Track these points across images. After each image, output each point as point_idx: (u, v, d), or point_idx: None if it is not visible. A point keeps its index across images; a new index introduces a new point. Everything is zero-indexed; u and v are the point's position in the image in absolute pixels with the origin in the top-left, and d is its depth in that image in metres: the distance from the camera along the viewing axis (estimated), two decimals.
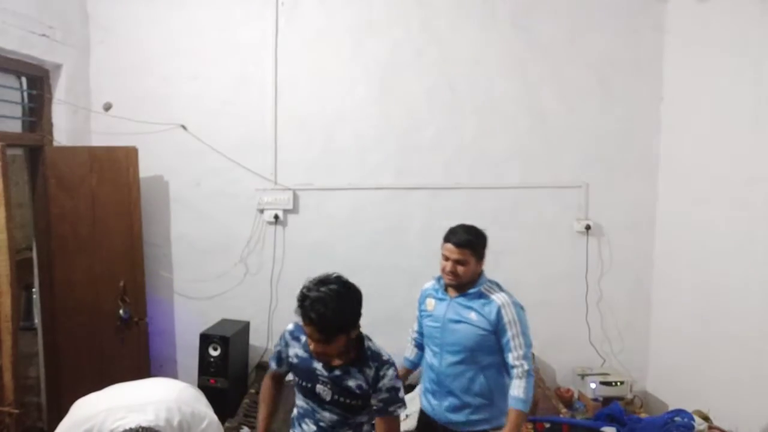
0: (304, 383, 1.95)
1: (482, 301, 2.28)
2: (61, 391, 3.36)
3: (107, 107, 3.69)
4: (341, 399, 1.90)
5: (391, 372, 1.90)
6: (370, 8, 3.67)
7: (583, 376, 3.59)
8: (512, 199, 3.70)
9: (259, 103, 3.68)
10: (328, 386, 1.91)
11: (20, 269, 2.85)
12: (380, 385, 1.88)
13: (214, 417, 1.82)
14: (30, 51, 3.11)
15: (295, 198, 3.74)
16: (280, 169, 3.72)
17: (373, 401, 1.89)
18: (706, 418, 3.03)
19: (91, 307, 3.36)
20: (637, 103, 3.68)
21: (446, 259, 2.30)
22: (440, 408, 2.36)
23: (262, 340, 3.78)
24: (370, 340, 1.97)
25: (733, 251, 3.02)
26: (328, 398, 1.92)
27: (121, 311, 3.38)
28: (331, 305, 1.75)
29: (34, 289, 3.53)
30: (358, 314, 1.86)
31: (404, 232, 3.76)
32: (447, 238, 2.32)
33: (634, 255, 3.74)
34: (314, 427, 1.97)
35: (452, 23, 3.67)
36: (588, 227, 3.70)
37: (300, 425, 2.03)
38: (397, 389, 1.92)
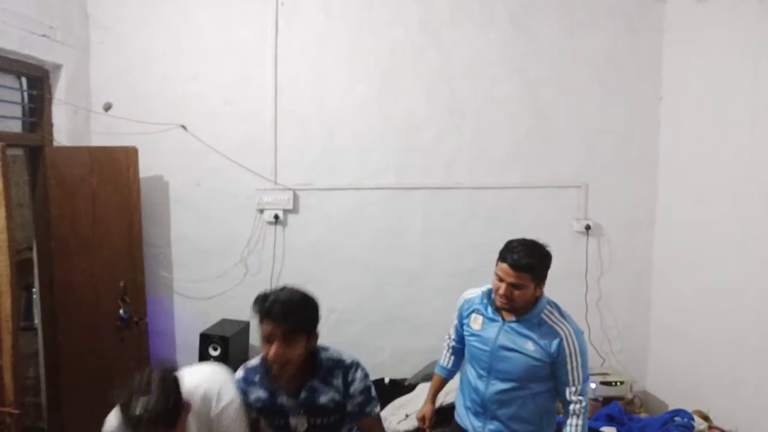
0: (276, 422, 1.85)
1: (542, 330, 2.07)
2: (61, 391, 3.36)
3: (107, 107, 3.69)
4: (318, 421, 1.82)
5: (359, 374, 1.85)
6: (370, 8, 3.67)
7: None
8: (512, 199, 3.70)
9: (259, 103, 3.68)
10: (301, 414, 1.81)
11: (20, 269, 2.85)
12: (352, 390, 1.82)
13: (239, 399, 1.82)
14: (30, 51, 3.11)
15: (295, 198, 3.74)
16: (280, 169, 3.72)
17: (349, 407, 1.84)
18: (706, 418, 3.03)
19: (91, 307, 3.36)
20: (636, 103, 3.69)
21: (500, 280, 2.04)
22: (482, 430, 2.20)
23: None
24: (325, 350, 1.88)
25: (733, 251, 3.02)
26: (304, 427, 1.82)
27: (121, 311, 3.38)
28: (295, 299, 1.77)
29: (34, 289, 3.53)
30: (317, 319, 1.81)
31: (404, 232, 3.76)
32: (503, 257, 2.04)
33: (633, 255, 3.74)
34: None
35: (452, 23, 3.67)
36: (588, 227, 3.70)
37: None
38: (369, 388, 1.87)
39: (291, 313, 1.72)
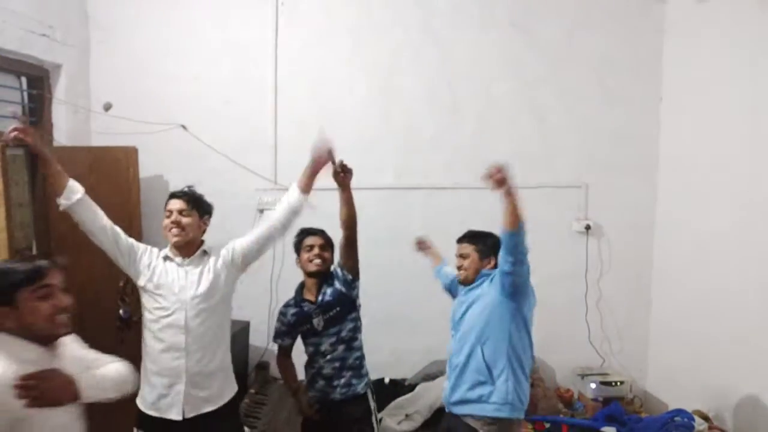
0: (305, 327, 2.51)
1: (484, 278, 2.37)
2: None
3: (107, 107, 3.68)
4: (328, 315, 2.48)
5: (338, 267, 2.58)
6: (370, 8, 3.67)
7: (583, 376, 3.59)
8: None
9: (259, 103, 3.68)
10: (318, 313, 2.48)
11: None
12: (338, 272, 2.57)
13: None
14: (30, 51, 3.11)
15: None
16: (280, 169, 3.72)
17: (341, 278, 2.55)
18: (706, 418, 3.03)
19: (92, 307, 3.35)
20: (636, 103, 3.69)
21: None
22: (447, 390, 2.38)
23: (262, 340, 3.78)
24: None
25: (733, 251, 3.02)
26: (322, 326, 2.48)
27: (120, 311, 3.38)
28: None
29: None
30: None
31: (404, 232, 3.75)
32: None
33: (633, 255, 3.74)
34: (321, 359, 2.48)
35: (452, 23, 3.67)
36: (588, 227, 3.70)
37: (313, 366, 2.52)
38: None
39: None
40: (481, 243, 2.41)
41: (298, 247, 2.60)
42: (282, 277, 3.73)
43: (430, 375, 3.49)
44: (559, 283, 3.70)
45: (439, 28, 3.68)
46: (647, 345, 3.79)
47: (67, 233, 3.32)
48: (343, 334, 2.50)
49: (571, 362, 3.74)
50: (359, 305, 2.59)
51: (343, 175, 2.55)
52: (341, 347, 2.49)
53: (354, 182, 3.77)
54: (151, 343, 2.28)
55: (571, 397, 3.55)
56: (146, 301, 2.32)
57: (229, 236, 3.76)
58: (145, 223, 3.54)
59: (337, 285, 2.53)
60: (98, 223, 2.29)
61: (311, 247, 2.55)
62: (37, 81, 3.34)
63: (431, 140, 3.71)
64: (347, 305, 2.52)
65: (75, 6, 3.55)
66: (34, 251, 3.41)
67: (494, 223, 3.63)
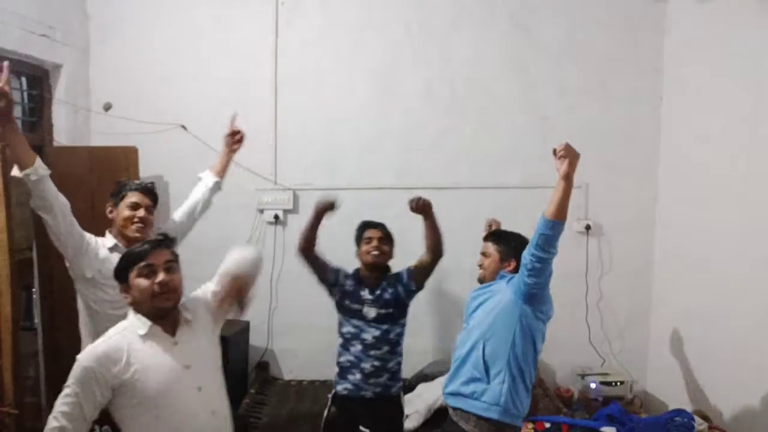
0: (354, 306, 2.56)
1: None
2: (61, 391, 3.35)
3: (107, 107, 3.68)
4: (382, 311, 2.53)
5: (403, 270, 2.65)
6: (370, 8, 3.67)
7: (583, 376, 3.59)
8: (512, 199, 3.69)
9: (259, 103, 3.68)
10: (371, 306, 2.53)
11: (20, 269, 2.85)
12: (401, 276, 2.63)
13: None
14: (30, 51, 3.11)
15: (295, 198, 3.74)
16: (280, 169, 3.72)
17: (402, 285, 2.61)
18: (706, 418, 3.03)
19: None
20: (637, 103, 3.69)
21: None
22: (445, 382, 2.36)
23: (262, 340, 3.78)
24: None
25: (733, 251, 3.02)
26: (371, 317, 2.53)
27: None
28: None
29: (34, 289, 3.52)
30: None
31: (404, 233, 3.75)
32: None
33: (634, 255, 3.74)
34: (360, 346, 2.52)
35: (452, 23, 3.67)
36: (588, 227, 3.70)
37: (348, 349, 2.55)
38: (407, 269, 2.68)
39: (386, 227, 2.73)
40: (504, 244, 2.34)
41: (359, 239, 2.67)
42: (282, 278, 3.73)
43: (430, 375, 3.49)
44: (559, 283, 3.64)
45: (439, 28, 3.67)
46: (647, 345, 3.79)
47: None
48: (391, 335, 2.55)
49: (571, 362, 3.74)
50: (408, 312, 2.66)
51: (416, 208, 2.60)
52: (386, 348, 2.53)
53: (354, 182, 3.79)
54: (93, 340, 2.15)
55: (572, 397, 3.55)
56: (90, 293, 2.30)
57: (228, 236, 3.79)
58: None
59: (399, 289, 2.59)
60: (61, 199, 2.23)
61: (370, 239, 2.61)
62: (37, 81, 3.35)
63: (431, 140, 3.71)
64: (401, 310, 2.60)
65: (75, 6, 3.55)
66: (34, 251, 3.41)
67: None
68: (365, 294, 2.58)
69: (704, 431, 2.93)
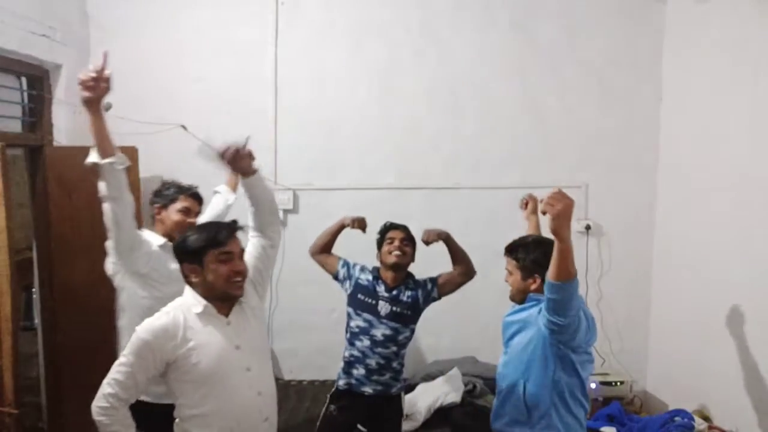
0: (368, 300, 2.58)
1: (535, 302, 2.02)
2: (61, 391, 3.35)
3: (107, 107, 3.66)
4: (397, 310, 2.55)
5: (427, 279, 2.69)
6: (370, 8, 3.67)
7: None
8: (512, 199, 3.66)
9: (259, 103, 3.68)
10: (387, 303, 2.55)
11: (20, 269, 2.85)
12: (423, 282, 2.67)
13: None
14: (30, 51, 3.11)
15: (295, 198, 3.74)
16: (280, 169, 3.72)
17: (425, 291, 2.65)
18: (706, 418, 3.03)
19: (92, 307, 3.35)
20: (636, 103, 3.69)
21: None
22: (493, 411, 2.21)
23: None
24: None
25: (733, 251, 3.02)
26: (385, 313, 2.54)
27: None
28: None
29: (34, 289, 3.52)
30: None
31: None
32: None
33: (634, 255, 3.74)
34: (368, 342, 2.53)
35: (452, 23, 3.67)
36: (588, 227, 3.70)
37: (354, 344, 2.57)
38: (430, 278, 2.71)
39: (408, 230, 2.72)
40: (522, 259, 2.04)
41: (381, 240, 2.69)
42: (282, 278, 3.73)
43: (430, 375, 3.49)
44: None
45: (439, 28, 3.68)
46: (647, 345, 3.79)
47: (67, 233, 3.33)
48: (400, 337, 2.58)
49: None
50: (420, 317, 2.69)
51: (429, 241, 2.68)
52: (393, 347, 2.56)
53: (354, 182, 3.79)
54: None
55: None
56: (141, 288, 2.28)
57: None
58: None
59: (419, 293, 2.62)
60: (130, 192, 2.21)
61: (392, 239, 2.63)
62: (37, 81, 3.34)
63: (431, 140, 3.71)
64: (415, 314, 2.62)
65: (75, 6, 3.55)
66: (34, 251, 3.41)
67: (494, 224, 3.66)
68: (382, 290, 2.60)
69: (704, 431, 2.93)
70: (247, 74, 3.69)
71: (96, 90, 1.91)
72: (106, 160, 2.01)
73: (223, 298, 1.81)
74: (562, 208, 1.61)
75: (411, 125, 3.71)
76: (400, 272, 2.63)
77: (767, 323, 2.79)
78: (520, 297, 2.08)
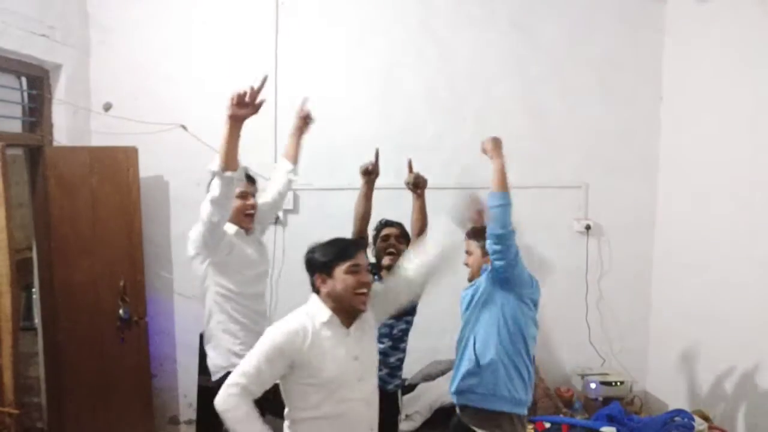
0: None
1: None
2: (61, 391, 3.36)
3: (107, 107, 3.68)
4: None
5: None
6: (370, 8, 3.67)
7: (583, 376, 3.59)
8: (512, 199, 3.69)
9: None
10: None
11: (20, 269, 2.85)
12: None
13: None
14: (30, 51, 3.11)
15: (295, 198, 3.74)
16: None
17: None
18: (706, 418, 3.03)
19: (92, 307, 3.36)
20: (637, 103, 3.69)
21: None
22: (450, 388, 2.42)
23: None
24: None
25: (733, 251, 3.02)
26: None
27: (121, 311, 3.38)
28: None
29: (34, 289, 3.52)
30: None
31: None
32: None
33: (634, 255, 3.74)
34: None
35: (452, 23, 3.67)
36: (588, 227, 3.70)
37: None
38: None
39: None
40: (483, 238, 2.39)
41: (376, 237, 2.72)
42: (282, 277, 3.73)
43: (430, 375, 3.49)
44: (559, 283, 3.70)
45: (439, 28, 3.67)
46: (647, 345, 3.79)
47: (67, 233, 3.33)
48: (395, 331, 2.59)
49: (571, 362, 3.74)
50: (416, 310, 2.70)
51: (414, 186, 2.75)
52: (387, 342, 2.56)
53: (354, 182, 3.77)
54: (234, 315, 2.45)
55: (571, 397, 3.55)
56: (231, 279, 2.43)
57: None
58: (146, 223, 3.55)
59: None
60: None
61: (387, 236, 2.66)
62: (37, 81, 3.34)
63: (431, 140, 3.71)
64: (409, 307, 2.59)
65: (75, 6, 3.54)
66: (34, 251, 3.42)
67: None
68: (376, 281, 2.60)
69: (704, 431, 2.93)
70: (246, 74, 3.67)
71: (247, 109, 2.11)
72: (228, 174, 2.16)
73: (348, 309, 1.90)
74: (493, 144, 2.37)
75: (411, 125, 3.71)
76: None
77: (767, 323, 2.79)
78: (478, 274, 2.43)
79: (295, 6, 3.66)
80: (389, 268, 2.61)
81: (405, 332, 2.64)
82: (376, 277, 2.64)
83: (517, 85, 3.68)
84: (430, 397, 3.24)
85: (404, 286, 2.10)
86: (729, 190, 3.07)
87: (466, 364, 2.31)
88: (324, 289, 1.90)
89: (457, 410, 2.40)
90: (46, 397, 3.45)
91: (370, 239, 2.74)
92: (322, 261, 1.90)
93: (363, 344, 1.95)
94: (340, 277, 1.87)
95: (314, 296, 1.94)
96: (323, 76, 3.69)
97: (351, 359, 1.88)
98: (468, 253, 2.48)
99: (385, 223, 2.74)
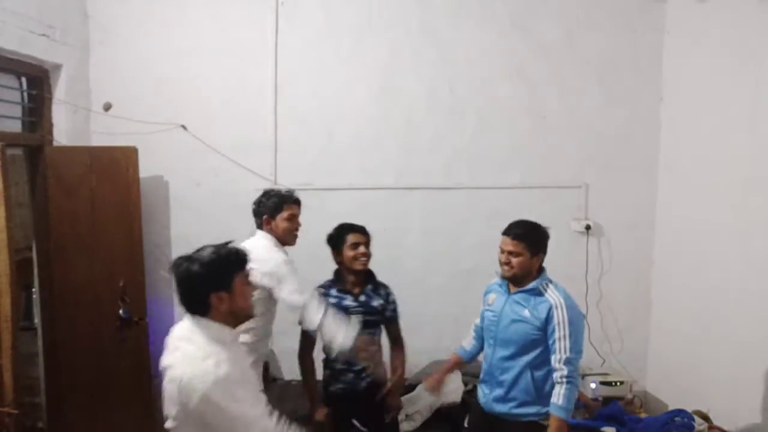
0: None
1: (537, 299, 2.32)
2: (61, 391, 3.35)
3: (107, 107, 3.68)
4: (368, 319, 2.53)
5: (393, 295, 2.70)
6: (370, 8, 3.67)
7: (583, 376, 3.59)
8: (512, 199, 3.69)
9: (259, 103, 3.68)
10: (359, 314, 2.52)
11: (20, 269, 2.85)
12: (390, 300, 2.67)
13: None
14: (30, 51, 3.11)
15: None
16: (280, 169, 3.72)
17: (387, 313, 2.65)
18: (706, 418, 3.03)
19: (91, 307, 3.35)
20: (637, 103, 3.69)
21: (502, 251, 2.39)
22: (489, 397, 2.42)
23: None
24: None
25: (733, 251, 3.02)
26: (359, 322, 2.45)
27: (121, 311, 3.37)
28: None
29: (34, 289, 3.52)
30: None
31: (404, 233, 3.76)
32: (504, 232, 2.41)
33: (634, 255, 3.74)
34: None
35: (452, 23, 3.67)
36: (588, 227, 3.70)
37: (338, 360, 2.52)
38: (397, 305, 2.71)
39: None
40: (529, 240, 2.35)
41: (339, 242, 2.59)
42: None
43: (430, 375, 3.48)
44: (559, 283, 3.69)
45: (439, 28, 3.67)
46: (647, 345, 3.79)
47: (66, 233, 3.33)
48: (376, 337, 2.62)
49: None
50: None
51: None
52: (374, 348, 2.55)
53: (354, 182, 3.79)
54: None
55: None
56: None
57: (228, 236, 3.76)
58: (145, 223, 3.55)
59: (389, 301, 2.66)
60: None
61: (356, 244, 2.56)
62: (37, 81, 3.34)
63: (431, 140, 3.71)
64: (383, 319, 2.66)
65: (75, 6, 3.54)
66: (34, 251, 3.41)
67: (494, 223, 3.64)
68: (348, 301, 2.59)
69: (704, 431, 2.93)
70: (247, 74, 3.69)
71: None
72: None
73: (244, 321, 1.83)
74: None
75: (411, 125, 3.71)
76: (365, 275, 2.64)
77: (767, 323, 2.79)
78: (525, 276, 2.35)
79: (295, 6, 3.66)
80: (363, 272, 2.60)
81: (368, 343, 2.52)
82: (338, 293, 2.61)
83: (517, 85, 3.68)
84: (430, 398, 3.24)
85: None
86: (729, 190, 3.07)
87: (522, 394, 2.33)
88: (222, 308, 1.66)
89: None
90: (46, 397, 3.45)
91: (328, 242, 2.69)
92: (220, 273, 1.65)
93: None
94: (241, 289, 1.69)
95: (200, 320, 1.69)
96: (323, 76, 3.69)
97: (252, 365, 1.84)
98: (511, 254, 2.35)
99: (349, 228, 2.62)
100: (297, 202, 2.67)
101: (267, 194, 2.69)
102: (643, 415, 3.29)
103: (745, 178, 2.95)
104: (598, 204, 3.72)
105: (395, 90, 3.69)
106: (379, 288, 2.67)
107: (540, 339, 2.29)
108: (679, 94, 3.55)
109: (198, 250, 1.69)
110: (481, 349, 2.58)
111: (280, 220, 2.60)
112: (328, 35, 3.69)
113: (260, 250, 2.51)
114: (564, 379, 2.20)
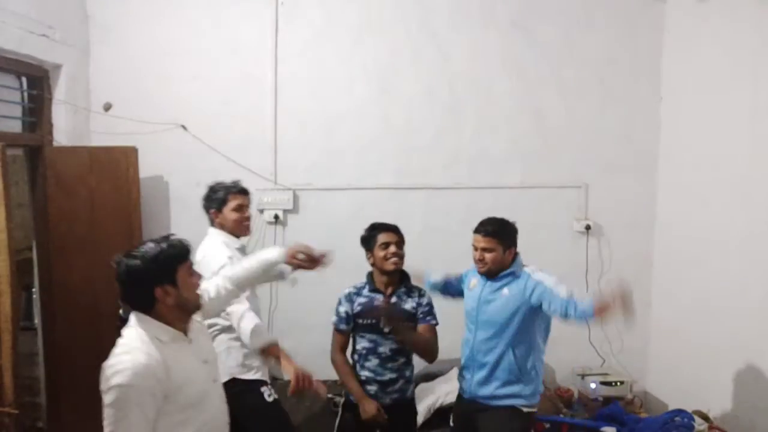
0: (369, 321, 2.45)
1: (515, 281, 2.43)
2: (61, 391, 3.35)
3: (107, 107, 3.68)
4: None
5: (428, 296, 2.59)
6: (370, 8, 3.67)
7: (583, 376, 3.59)
8: (512, 199, 3.69)
9: (259, 103, 3.68)
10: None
11: (20, 269, 2.85)
12: (424, 302, 2.54)
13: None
14: (30, 51, 3.11)
15: (295, 198, 3.74)
16: (280, 169, 3.72)
17: (419, 314, 2.50)
18: (706, 418, 3.03)
19: (91, 307, 3.35)
20: (636, 103, 3.69)
21: (475, 248, 2.47)
22: (471, 381, 2.48)
23: None
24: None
25: (733, 251, 3.02)
26: (388, 327, 2.37)
27: (120, 311, 3.36)
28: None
29: (34, 289, 3.52)
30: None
31: (404, 232, 3.73)
32: (475, 230, 2.48)
33: (634, 255, 3.74)
34: (376, 360, 2.44)
35: (452, 23, 3.67)
36: (588, 227, 3.70)
37: (364, 365, 2.47)
38: (433, 305, 2.57)
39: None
40: (501, 236, 2.44)
41: (370, 242, 2.51)
42: None
43: (429, 375, 3.49)
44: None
45: (439, 28, 3.68)
46: (647, 345, 3.79)
47: (66, 233, 3.33)
48: (380, 349, 2.47)
49: (571, 362, 3.74)
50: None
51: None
52: (402, 359, 2.49)
53: (354, 182, 3.79)
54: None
55: (572, 397, 3.55)
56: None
57: None
58: (145, 223, 3.54)
59: (422, 303, 2.53)
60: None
61: (387, 244, 2.47)
62: (37, 81, 3.34)
63: (431, 140, 3.71)
64: (415, 320, 2.52)
65: (75, 6, 3.54)
66: (34, 251, 3.41)
67: None
68: (379, 301, 2.48)
69: (704, 431, 2.93)
70: (246, 74, 3.69)
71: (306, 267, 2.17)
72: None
73: (190, 313, 1.76)
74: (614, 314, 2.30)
75: (411, 125, 3.71)
76: (397, 275, 2.54)
77: (767, 323, 2.79)
78: (498, 270, 2.45)
79: (295, 6, 3.66)
80: (395, 272, 2.51)
81: (397, 351, 2.46)
82: (370, 292, 2.52)
83: (517, 84, 3.69)
84: (429, 398, 3.24)
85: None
86: (729, 190, 3.07)
87: (505, 374, 2.41)
88: (168, 301, 1.65)
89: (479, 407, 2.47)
90: (46, 397, 3.45)
91: (362, 243, 2.57)
92: (162, 266, 1.64)
93: (201, 344, 1.80)
94: (186, 281, 1.67)
95: (142, 317, 1.69)
96: (323, 76, 3.69)
97: (201, 364, 1.75)
98: (485, 250, 2.43)
99: (381, 227, 2.53)
100: (243, 192, 2.64)
101: (212, 189, 2.67)
102: (643, 415, 3.29)
103: (745, 178, 2.95)
104: (598, 204, 3.72)
105: (395, 89, 3.70)
106: (413, 290, 2.56)
107: (519, 309, 2.38)
108: (678, 94, 3.55)
109: (138, 246, 1.69)
110: (443, 286, 2.73)
111: (228, 212, 2.59)
112: (328, 35, 3.69)
113: (207, 248, 2.53)
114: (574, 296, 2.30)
